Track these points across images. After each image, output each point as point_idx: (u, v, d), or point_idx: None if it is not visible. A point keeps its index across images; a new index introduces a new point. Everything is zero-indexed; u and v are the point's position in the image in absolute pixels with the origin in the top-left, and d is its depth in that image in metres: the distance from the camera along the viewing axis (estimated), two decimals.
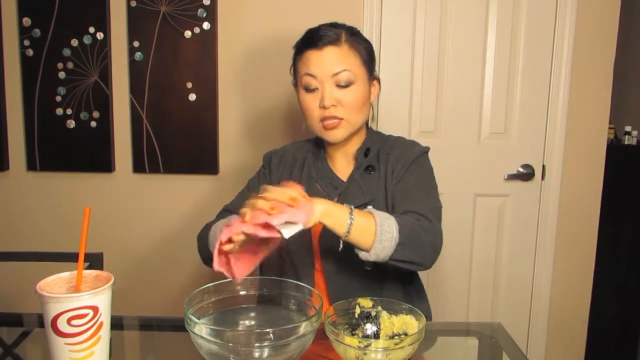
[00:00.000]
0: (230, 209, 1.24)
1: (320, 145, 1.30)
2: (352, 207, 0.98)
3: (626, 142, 2.52)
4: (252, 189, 1.29)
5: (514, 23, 1.93)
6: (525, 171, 2.00)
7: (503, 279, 2.07)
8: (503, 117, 1.98)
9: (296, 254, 1.19)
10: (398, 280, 1.18)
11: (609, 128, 2.15)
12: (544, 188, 2.01)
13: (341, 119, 1.16)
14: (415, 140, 1.28)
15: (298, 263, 1.19)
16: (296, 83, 1.23)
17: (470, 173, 2.01)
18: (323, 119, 1.16)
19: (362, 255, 0.99)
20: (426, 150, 1.23)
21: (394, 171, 1.18)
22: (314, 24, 1.22)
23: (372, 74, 1.22)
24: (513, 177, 2.01)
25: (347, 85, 1.15)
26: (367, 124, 1.28)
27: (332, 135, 1.18)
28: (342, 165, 1.26)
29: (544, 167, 2.00)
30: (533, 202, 2.02)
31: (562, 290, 2.05)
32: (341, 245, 1.03)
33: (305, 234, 1.14)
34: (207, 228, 1.18)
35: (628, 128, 2.52)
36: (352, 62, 1.16)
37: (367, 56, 1.20)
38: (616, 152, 2.27)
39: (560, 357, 2.10)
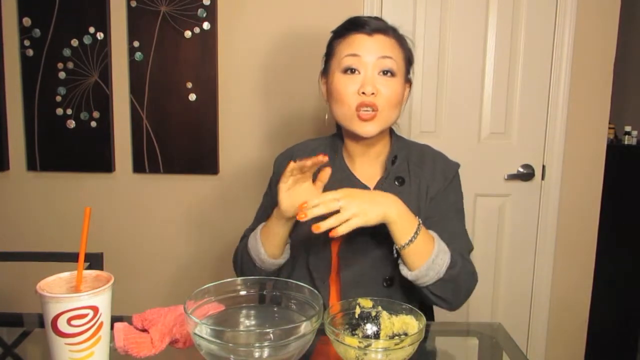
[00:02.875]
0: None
1: (337, 144, 1.21)
2: (420, 223, 1.00)
3: (626, 142, 2.52)
4: (269, 208, 1.21)
5: (514, 23, 1.93)
6: (525, 171, 2.00)
7: (503, 279, 2.07)
8: (503, 117, 1.98)
9: (313, 264, 1.14)
10: (412, 296, 1.14)
11: (609, 128, 2.15)
12: (544, 188, 2.01)
13: (377, 110, 1.08)
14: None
15: (315, 273, 1.14)
16: (326, 71, 1.17)
17: (470, 173, 2.00)
18: (360, 106, 1.08)
19: (404, 270, 1.02)
20: (458, 167, 1.21)
21: (428, 190, 1.15)
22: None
23: (408, 76, 1.18)
24: (513, 177, 2.01)
25: (390, 74, 1.10)
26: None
27: (365, 129, 1.09)
28: (364, 168, 1.19)
29: (544, 167, 2.00)
30: (533, 202, 2.02)
31: (562, 290, 2.05)
32: (395, 254, 1.04)
33: (325, 247, 1.12)
34: (240, 249, 1.18)
35: (628, 128, 2.52)
36: (398, 54, 1.12)
37: (410, 56, 1.18)
38: (616, 152, 2.28)
39: (560, 357, 2.09)
